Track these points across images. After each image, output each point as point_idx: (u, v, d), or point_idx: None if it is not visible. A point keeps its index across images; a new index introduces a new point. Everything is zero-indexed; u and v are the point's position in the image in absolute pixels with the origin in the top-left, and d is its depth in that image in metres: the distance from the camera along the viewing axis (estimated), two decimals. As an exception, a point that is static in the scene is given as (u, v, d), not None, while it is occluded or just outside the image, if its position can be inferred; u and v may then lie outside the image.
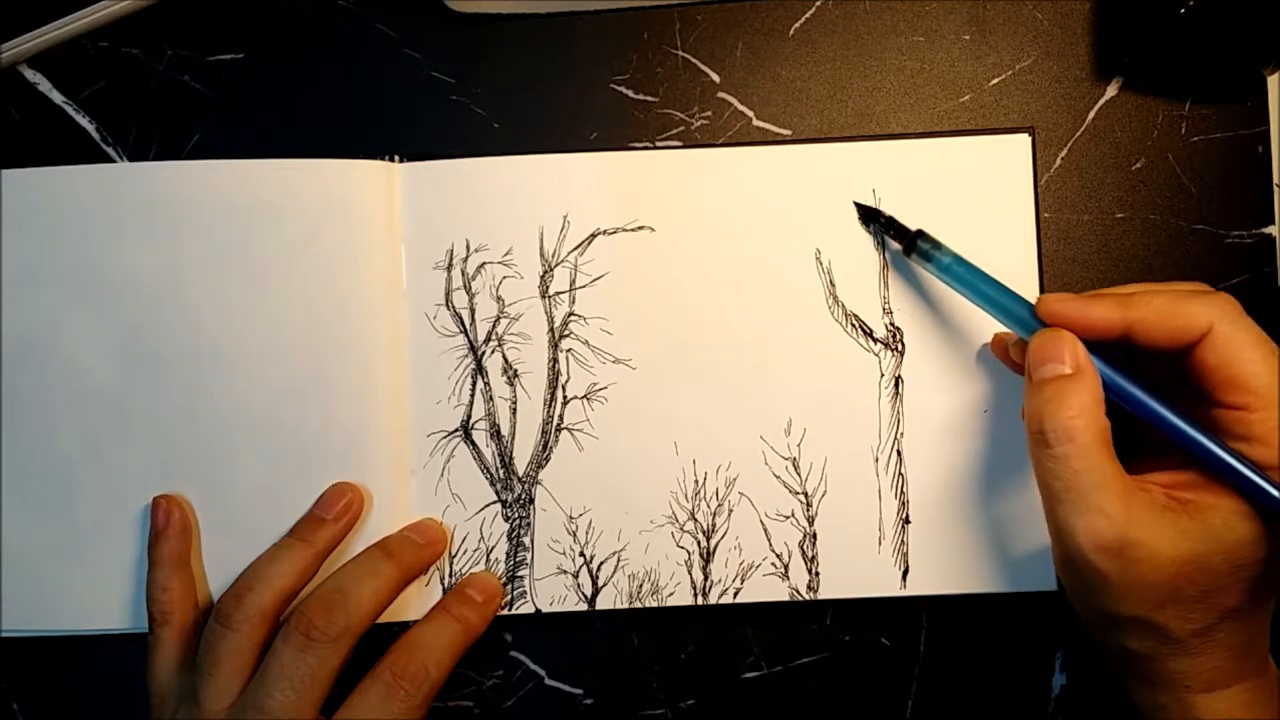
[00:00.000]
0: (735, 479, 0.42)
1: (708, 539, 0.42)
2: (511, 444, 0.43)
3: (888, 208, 0.42)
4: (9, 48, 0.43)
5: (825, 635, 0.43)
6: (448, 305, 0.43)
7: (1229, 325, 0.34)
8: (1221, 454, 0.33)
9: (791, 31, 0.44)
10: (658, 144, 0.43)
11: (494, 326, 0.43)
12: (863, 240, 0.42)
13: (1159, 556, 0.32)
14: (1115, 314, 0.34)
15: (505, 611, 0.42)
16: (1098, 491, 0.32)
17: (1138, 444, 0.36)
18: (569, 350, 0.43)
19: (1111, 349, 0.35)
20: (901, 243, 0.40)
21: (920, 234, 0.40)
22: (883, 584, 0.42)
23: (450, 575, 0.42)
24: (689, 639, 0.43)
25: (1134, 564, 0.32)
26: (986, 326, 0.42)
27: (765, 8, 0.44)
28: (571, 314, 0.43)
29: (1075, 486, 0.32)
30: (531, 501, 0.42)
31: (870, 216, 0.42)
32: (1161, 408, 0.34)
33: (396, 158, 0.43)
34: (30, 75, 0.44)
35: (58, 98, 0.44)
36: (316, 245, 0.42)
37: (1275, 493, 0.32)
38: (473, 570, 0.42)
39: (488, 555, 0.42)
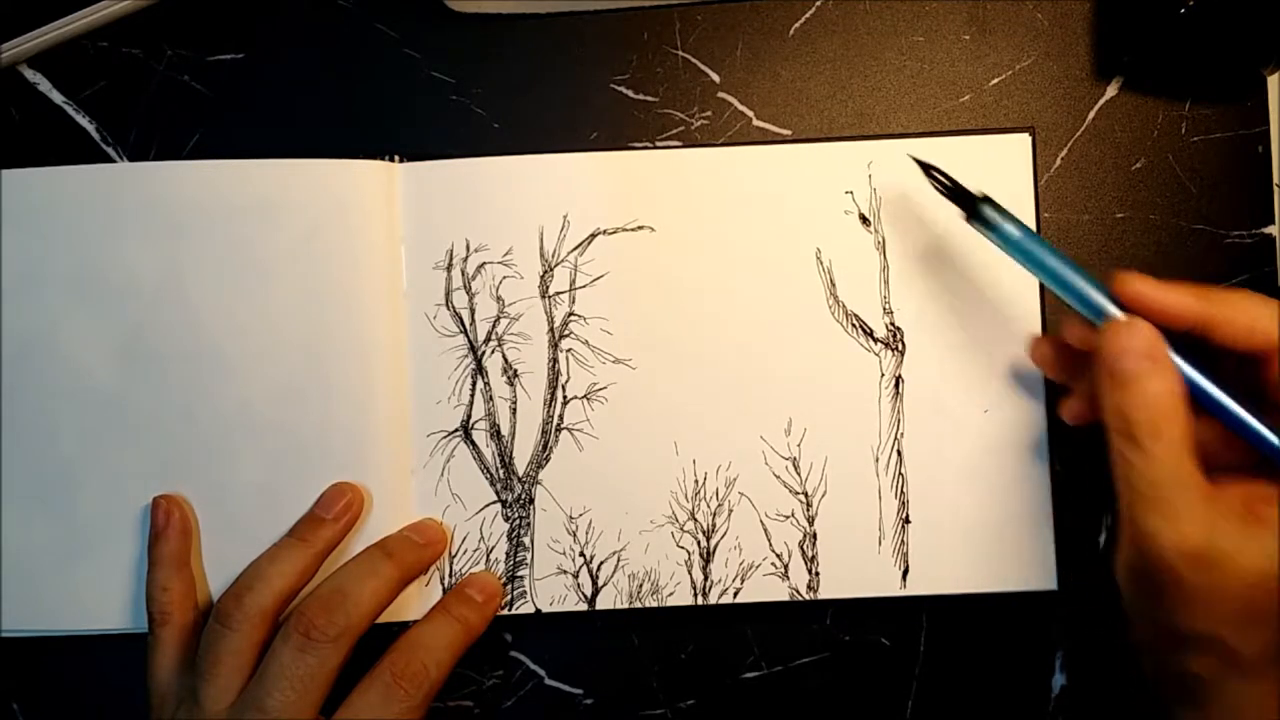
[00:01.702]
0: (735, 479, 0.42)
1: (708, 539, 0.42)
2: (511, 444, 0.43)
3: (887, 207, 0.42)
4: (9, 48, 0.43)
5: (825, 635, 0.43)
6: (448, 305, 0.43)
7: None
8: None
9: (791, 31, 0.44)
10: (658, 144, 0.43)
11: (494, 326, 0.43)
12: (863, 240, 0.42)
13: (1238, 569, 0.31)
14: (1197, 305, 0.33)
15: (505, 611, 0.42)
16: (1185, 494, 0.31)
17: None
18: (569, 350, 0.43)
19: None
20: (963, 207, 0.37)
21: (986, 199, 0.37)
22: (883, 584, 0.42)
23: (450, 575, 0.42)
24: (689, 639, 0.43)
25: (1214, 574, 0.31)
26: (987, 326, 0.42)
27: (765, 8, 0.44)
28: (571, 314, 0.43)
29: (1164, 487, 0.31)
30: (531, 501, 0.42)
31: (930, 173, 0.38)
32: (1244, 412, 0.33)
33: (396, 158, 0.43)
34: (30, 75, 0.44)
35: (58, 98, 0.44)
36: (316, 245, 0.42)
37: None
38: (473, 570, 0.42)
39: (488, 555, 0.42)
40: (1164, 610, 0.32)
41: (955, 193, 0.37)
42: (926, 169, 0.38)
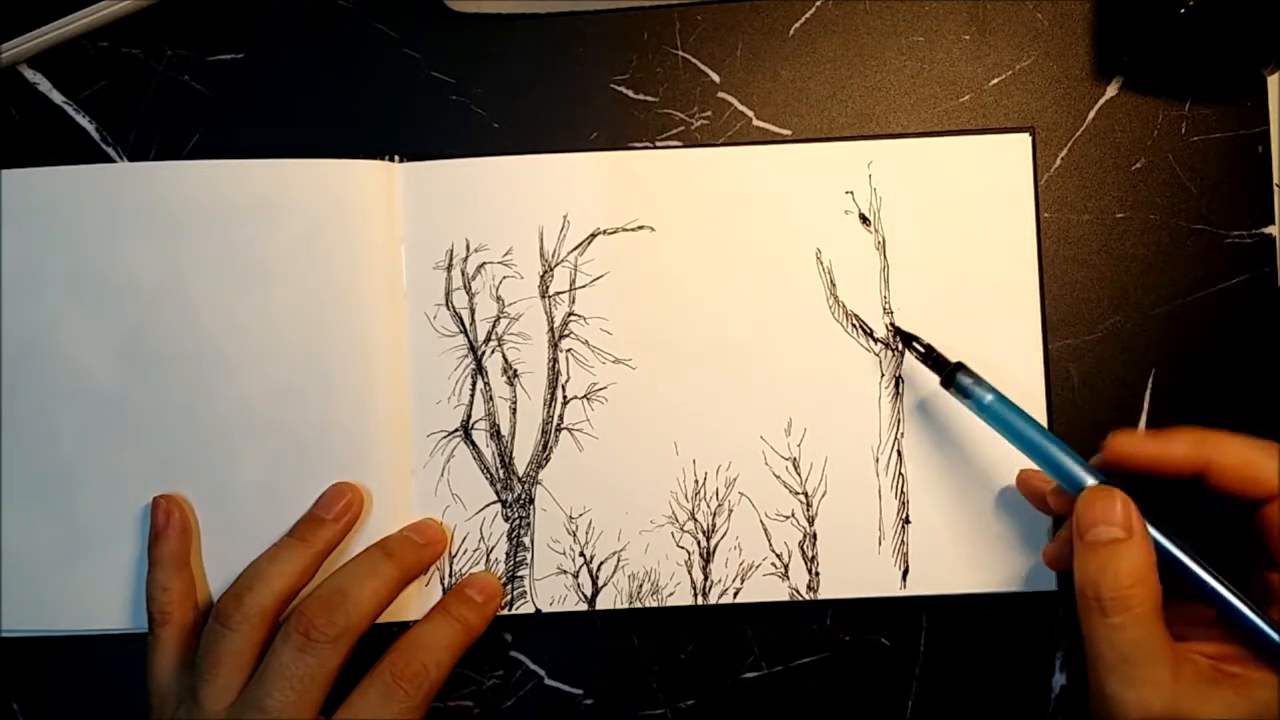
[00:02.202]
0: (735, 479, 0.42)
1: (708, 539, 0.42)
2: (511, 444, 0.43)
3: (888, 206, 0.42)
4: (9, 48, 0.43)
5: (825, 635, 0.43)
6: (448, 305, 0.43)
7: None
8: (1273, 635, 0.32)
9: (791, 31, 0.44)
10: (658, 144, 0.43)
11: (494, 326, 0.43)
12: (863, 240, 0.42)
13: None
14: (1193, 453, 0.34)
15: (505, 611, 0.42)
16: (1151, 663, 0.32)
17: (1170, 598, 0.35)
18: (569, 350, 0.43)
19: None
20: (939, 374, 0.39)
21: (960, 367, 0.38)
22: (883, 584, 0.42)
23: (450, 575, 0.42)
24: (689, 639, 0.43)
25: None
26: (987, 326, 0.42)
27: (765, 8, 0.44)
28: (571, 314, 0.43)
29: (1130, 657, 0.32)
30: (531, 501, 0.42)
31: (908, 342, 0.40)
32: (1210, 578, 0.33)
33: (396, 158, 0.43)
34: (30, 75, 0.44)
35: (58, 98, 0.44)
36: (316, 245, 0.42)
37: None
38: (473, 570, 0.42)
39: (488, 555, 0.42)
40: None
41: (932, 359, 0.39)
42: (906, 338, 0.40)
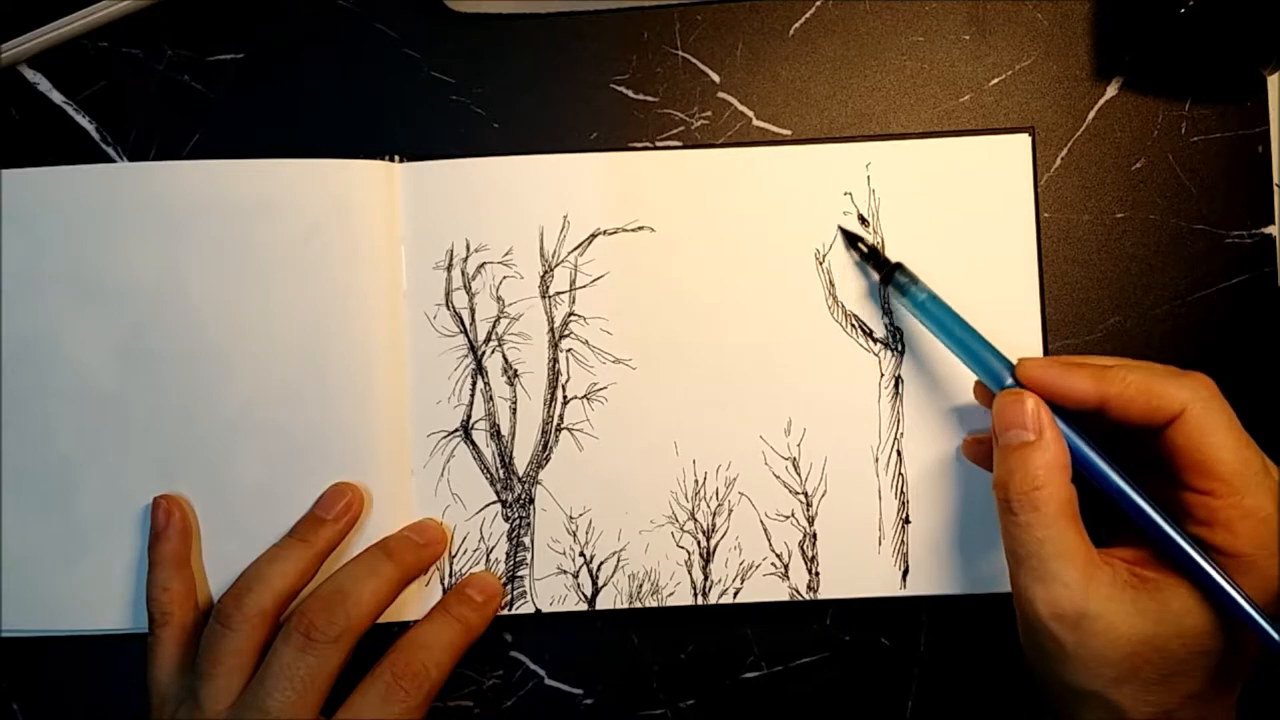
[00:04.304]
0: (735, 479, 0.42)
1: (708, 539, 0.42)
2: (511, 444, 0.43)
3: (887, 207, 0.42)
4: (9, 48, 0.43)
5: (825, 635, 0.43)
6: (448, 305, 0.43)
7: (1202, 409, 0.33)
8: (1178, 539, 0.33)
9: (791, 31, 0.44)
10: (658, 144, 0.43)
11: (494, 326, 0.43)
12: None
13: (1115, 633, 0.32)
14: (1091, 386, 0.34)
15: (505, 611, 0.42)
16: (1059, 561, 0.32)
17: (1113, 513, 0.35)
18: (569, 350, 0.43)
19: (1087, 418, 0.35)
20: (880, 272, 0.41)
21: (899, 266, 0.40)
22: (883, 584, 0.42)
23: (450, 575, 0.42)
24: (689, 639, 0.43)
25: (1091, 636, 0.32)
26: (987, 326, 0.42)
27: (765, 8, 0.44)
28: (571, 314, 0.43)
29: (1037, 554, 0.33)
30: (531, 501, 0.42)
31: (852, 242, 0.42)
32: (1124, 483, 0.34)
33: (396, 158, 0.43)
34: (30, 75, 0.44)
35: (58, 98, 0.44)
36: (316, 245, 0.42)
37: (1228, 587, 0.32)
38: (473, 570, 0.42)
39: (488, 555, 0.42)
40: (1054, 667, 0.33)
41: (874, 259, 0.41)
42: (850, 237, 0.42)
